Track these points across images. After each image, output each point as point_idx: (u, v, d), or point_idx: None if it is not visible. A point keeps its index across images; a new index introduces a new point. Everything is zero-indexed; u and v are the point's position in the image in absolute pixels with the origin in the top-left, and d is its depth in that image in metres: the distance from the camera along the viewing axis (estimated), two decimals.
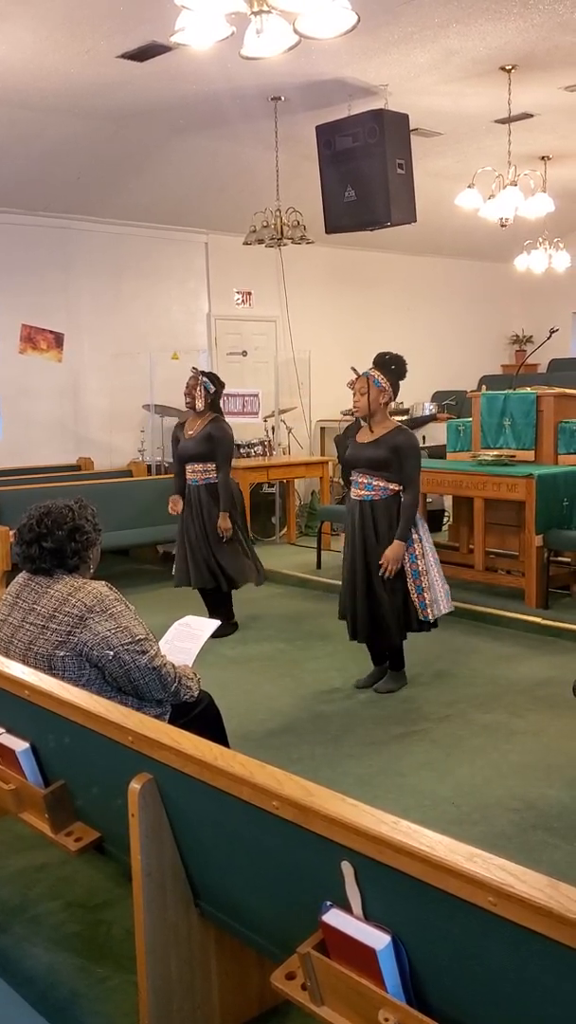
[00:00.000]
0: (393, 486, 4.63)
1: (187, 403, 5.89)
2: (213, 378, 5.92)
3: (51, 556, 2.87)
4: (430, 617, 4.70)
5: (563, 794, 3.65)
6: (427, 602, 4.68)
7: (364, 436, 4.73)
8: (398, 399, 4.98)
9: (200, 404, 5.81)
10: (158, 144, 7.86)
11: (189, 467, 5.87)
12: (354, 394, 4.69)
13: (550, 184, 8.83)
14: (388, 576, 4.61)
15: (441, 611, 4.76)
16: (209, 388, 5.84)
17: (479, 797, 3.64)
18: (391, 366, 4.69)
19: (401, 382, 4.76)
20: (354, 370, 4.74)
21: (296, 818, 1.71)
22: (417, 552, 4.68)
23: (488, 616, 6.19)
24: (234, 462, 6.10)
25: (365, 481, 4.67)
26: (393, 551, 4.60)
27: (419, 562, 4.68)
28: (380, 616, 4.70)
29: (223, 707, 3.24)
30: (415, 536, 4.68)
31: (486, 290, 12.48)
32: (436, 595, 4.73)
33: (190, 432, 5.87)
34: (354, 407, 4.72)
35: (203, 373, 5.91)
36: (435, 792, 3.69)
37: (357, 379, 4.68)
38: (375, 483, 4.65)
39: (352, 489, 4.76)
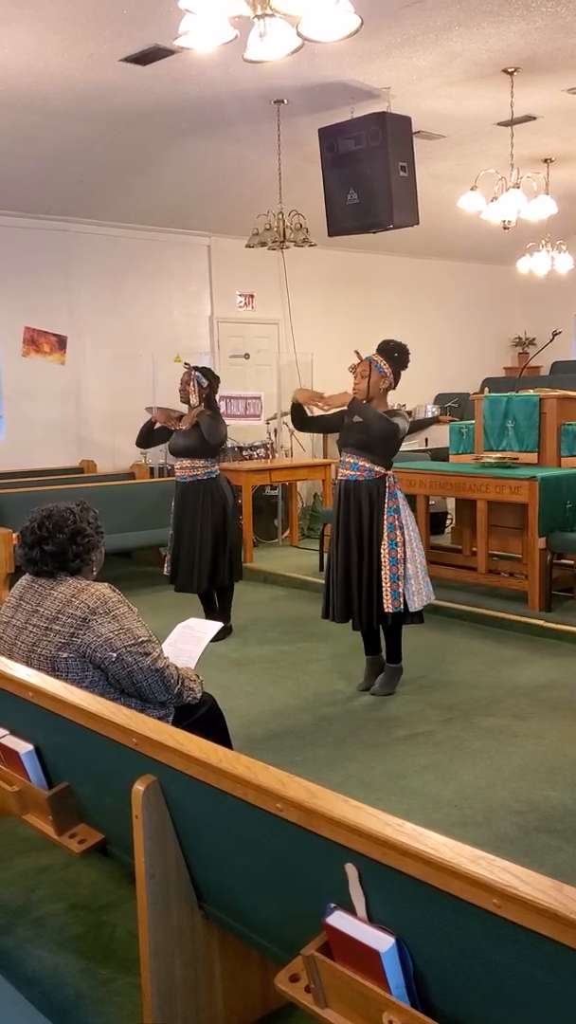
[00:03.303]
0: (378, 468, 4.66)
1: (181, 399, 5.91)
2: (206, 372, 5.92)
3: (53, 559, 2.87)
4: (391, 608, 4.62)
5: (566, 796, 3.64)
6: (399, 592, 4.63)
7: (358, 418, 4.76)
8: (401, 401, 4.99)
9: (194, 399, 5.81)
10: (160, 147, 7.87)
11: (178, 463, 5.87)
12: (355, 377, 4.71)
13: (553, 186, 8.83)
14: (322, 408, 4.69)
15: (413, 607, 4.69)
16: (202, 382, 5.83)
17: (482, 800, 3.64)
18: (394, 354, 4.72)
19: (403, 372, 4.77)
20: (357, 353, 4.76)
21: (300, 820, 1.71)
22: (398, 540, 4.65)
23: (491, 619, 6.18)
24: (237, 464, 6.09)
25: (351, 461, 4.70)
26: (327, 397, 4.71)
27: (399, 550, 4.64)
28: (355, 595, 4.68)
29: (225, 709, 3.24)
30: (397, 524, 4.66)
31: (488, 292, 12.49)
32: (412, 590, 4.66)
33: (183, 426, 5.86)
34: (354, 390, 4.72)
35: (196, 368, 5.91)
36: (438, 795, 3.69)
37: (360, 363, 4.70)
38: (360, 463, 4.66)
39: (339, 470, 4.79)
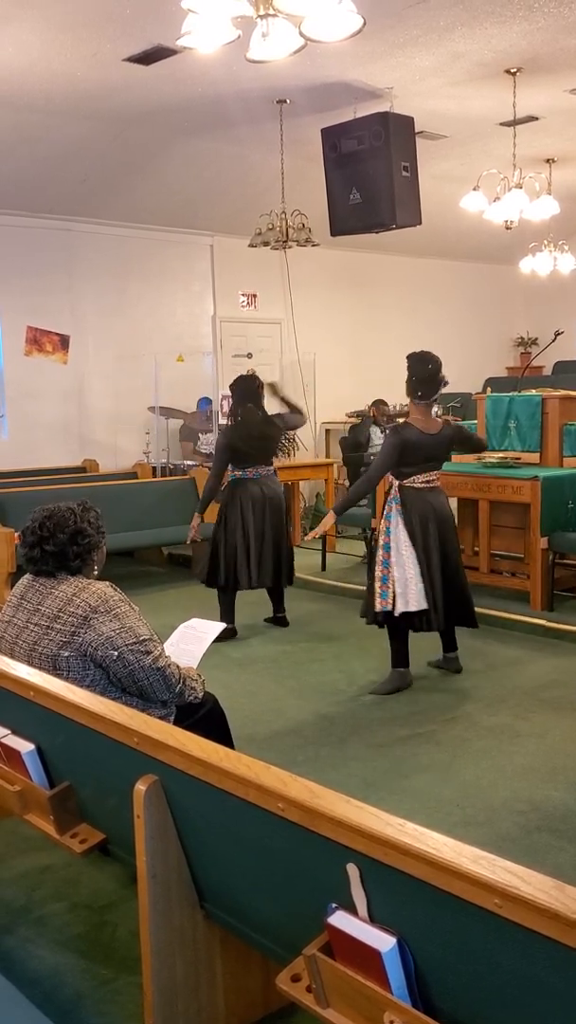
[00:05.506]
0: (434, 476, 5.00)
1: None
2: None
3: (53, 559, 2.87)
4: (379, 608, 4.74)
5: (568, 796, 3.64)
6: (389, 593, 4.73)
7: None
8: (403, 400, 5.02)
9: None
10: (163, 147, 7.87)
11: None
12: None
13: (555, 186, 8.82)
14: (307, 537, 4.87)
15: (407, 608, 4.75)
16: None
17: (484, 799, 3.64)
18: (407, 362, 4.84)
19: (416, 378, 4.90)
20: None
21: (302, 820, 1.71)
22: (386, 542, 4.81)
23: (493, 619, 6.17)
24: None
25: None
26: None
27: (380, 553, 4.80)
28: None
29: (227, 708, 3.24)
30: (382, 527, 4.84)
31: (491, 293, 12.48)
32: (401, 591, 4.74)
33: None
34: None
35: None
36: (440, 794, 3.69)
37: None
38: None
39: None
